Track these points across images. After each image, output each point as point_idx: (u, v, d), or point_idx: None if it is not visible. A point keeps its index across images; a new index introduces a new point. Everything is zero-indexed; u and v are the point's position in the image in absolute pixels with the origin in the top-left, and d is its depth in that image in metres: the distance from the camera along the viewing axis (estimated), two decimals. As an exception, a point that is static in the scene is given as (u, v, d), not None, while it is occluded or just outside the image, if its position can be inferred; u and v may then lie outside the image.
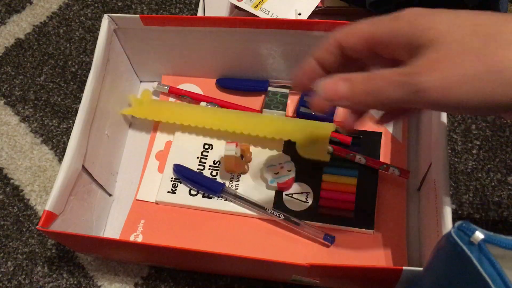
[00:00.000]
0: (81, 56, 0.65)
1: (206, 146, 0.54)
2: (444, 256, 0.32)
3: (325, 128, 0.51)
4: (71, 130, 0.47)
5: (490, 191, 0.51)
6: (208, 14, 0.61)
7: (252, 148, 0.54)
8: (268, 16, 0.55)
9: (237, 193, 0.50)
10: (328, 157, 0.50)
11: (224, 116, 0.54)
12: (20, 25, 0.68)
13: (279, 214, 0.48)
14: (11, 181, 0.57)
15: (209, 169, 0.53)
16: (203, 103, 0.56)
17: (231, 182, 0.52)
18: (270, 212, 0.49)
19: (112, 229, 0.52)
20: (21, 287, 0.51)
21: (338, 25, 0.49)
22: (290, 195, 0.50)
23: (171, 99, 0.58)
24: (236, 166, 0.51)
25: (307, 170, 0.51)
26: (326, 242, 0.47)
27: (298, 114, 0.54)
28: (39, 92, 0.62)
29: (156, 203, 0.52)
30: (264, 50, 0.53)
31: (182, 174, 0.52)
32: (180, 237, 0.50)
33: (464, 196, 0.51)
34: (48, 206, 0.43)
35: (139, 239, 0.50)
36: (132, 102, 0.57)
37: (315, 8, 0.56)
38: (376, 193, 0.49)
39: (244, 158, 0.51)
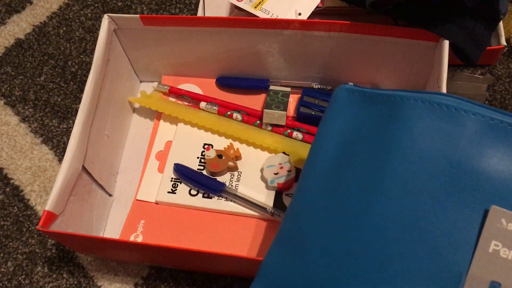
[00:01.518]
0: (81, 56, 0.65)
1: (206, 146, 0.54)
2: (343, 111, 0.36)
3: None
4: (71, 130, 0.47)
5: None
6: (208, 14, 0.61)
7: (252, 149, 0.54)
8: (268, 16, 0.55)
9: (237, 193, 0.50)
10: None
11: (225, 126, 0.54)
12: (20, 25, 0.68)
13: (279, 214, 0.48)
14: (11, 181, 0.57)
15: (209, 169, 0.53)
16: (203, 103, 0.56)
17: (231, 182, 0.52)
18: (270, 212, 0.49)
19: (112, 229, 0.52)
20: (21, 287, 0.51)
21: (338, 25, 0.49)
22: (290, 195, 0.50)
23: (171, 99, 0.58)
24: (218, 166, 0.52)
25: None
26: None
27: (298, 114, 0.54)
28: (39, 92, 0.62)
29: (156, 203, 0.52)
30: (264, 50, 0.53)
31: (183, 173, 0.52)
32: (180, 237, 0.50)
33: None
34: (48, 206, 0.43)
35: (139, 239, 0.50)
36: (140, 94, 0.58)
37: (315, 8, 0.56)
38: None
39: (224, 156, 0.52)
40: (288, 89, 0.56)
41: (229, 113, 0.55)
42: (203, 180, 0.51)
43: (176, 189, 0.52)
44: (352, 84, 0.38)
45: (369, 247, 0.31)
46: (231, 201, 0.51)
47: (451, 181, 0.30)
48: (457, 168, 0.30)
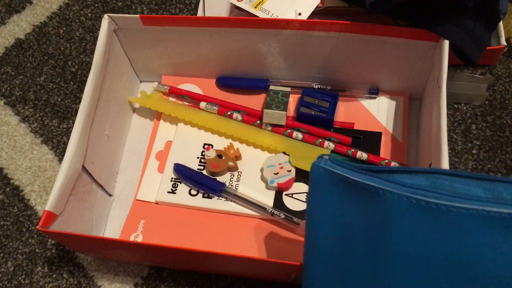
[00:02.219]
0: (81, 56, 0.65)
1: (206, 146, 0.54)
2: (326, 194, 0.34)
3: (320, 151, 0.52)
4: (71, 130, 0.47)
5: (490, 191, 0.51)
6: (208, 14, 0.61)
7: (252, 149, 0.54)
8: (268, 16, 0.55)
9: (237, 193, 0.50)
10: None
11: (225, 126, 0.54)
12: (20, 25, 0.68)
13: (279, 214, 0.48)
14: (11, 181, 0.57)
15: (209, 169, 0.53)
16: (203, 103, 0.56)
17: (231, 182, 0.52)
18: (270, 212, 0.49)
19: (112, 229, 0.52)
20: (21, 287, 0.51)
21: (338, 25, 0.49)
22: (290, 195, 0.50)
23: (171, 99, 0.58)
24: (218, 166, 0.51)
25: (307, 170, 0.51)
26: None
27: (298, 114, 0.54)
28: (39, 92, 0.62)
29: (156, 203, 0.52)
30: (264, 50, 0.53)
31: (183, 173, 0.52)
32: (180, 237, 0.50)
33: (464, 196, 0.51)
34: (48, 206, 0.43)
35: (139, 239, 0.50)
36: (140, 94, 0.58)
37: (315, 8, 0.56)
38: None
39: (224, 156, 0.52)
40: (288, 89, 0.56)
41: (229, 113, 0.55)
42: (203, 180, 0.51)
43: (176, 189, 0.52)
44: (326, 157, 0.35)
45: None
46: (231, 201, 0.51)
47: (451, 278, 0.29)
48: (455, 264, 0.29)
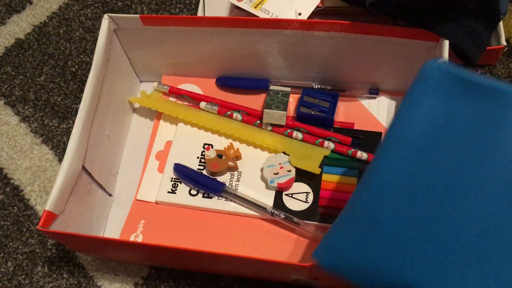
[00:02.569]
0: (81, 56, 0.65)
1: (206, 146, 0.54)
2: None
3: (320, 151, 0.51)
4: (71, 130, 0.47)
5: (490, 191, 0.51)
6: (208, 14, 0.61)
7: (252, 148, 0.54)
8: (268, 16, 0.55)
9: (237, 193, 0.50)
10: (319, 170, 0.50)
11: (225, 126, 0.55)
12: (20, 25, 0.68)
13: (279, 214, 0.48)
14: (11, 181, 0.57)
15: (209, 169, 0.53)
16: (203, 103, 0.56)
17: (231, 182, 0.52)
18: (270, 212, 0.49)
19: (112, 229, 0.52)
20: (21, 287, 0.51)
21: (338, 25, 0.49)
22: (290, 195, 0.50)
23: (171, 99, 0.58)
24: (218, 166, 0.52)
25: (307, 170, 0.51)
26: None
27: (298, 114, 0.54)
28: (39, 92, 0.62)
29: (156, 203, 0.52)
30: (264, 50, 0.53)
31: (183, 173, 0.52)
32: (180, 237, 0.50)
33: (464, 196, 0.51)
34: (48, 206, 0.43)
35: (139, 239, 0.50)
36: (140, 94, 0.58)
37: (315, 8, 0.56)
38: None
39: (224, 156, 0.52)
40: (288, 89, 0.56)
41: (229, 113, 0.55)
42: (203, 180, 0.51)
43: (176, 189, 0.52)
44: (444, 60, 0.35)
45: (448, 246, 0.31)
46: (231, 201, 0.51)
47: None
48: None
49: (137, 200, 0.53)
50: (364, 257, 0.34)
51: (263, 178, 0.52)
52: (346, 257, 0.35)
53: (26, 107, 0.62)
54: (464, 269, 0.31)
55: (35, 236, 0.54)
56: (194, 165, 0.53)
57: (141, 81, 0.61)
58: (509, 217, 0.30)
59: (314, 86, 0.56)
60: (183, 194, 0.52)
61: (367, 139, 0.52)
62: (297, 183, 0.51)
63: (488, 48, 0.54)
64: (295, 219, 0.48)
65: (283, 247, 0.49)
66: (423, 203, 0.32)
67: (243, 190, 0.51)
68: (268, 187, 0.51)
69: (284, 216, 0.48)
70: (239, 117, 0.55)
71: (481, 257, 0.30)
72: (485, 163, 0.31)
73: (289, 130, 0.53)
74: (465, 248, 0.31)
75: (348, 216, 0.36)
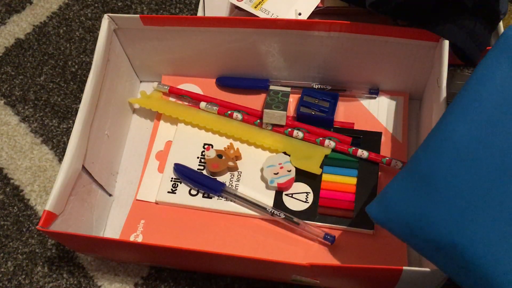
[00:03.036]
0: (81, 56, 0.65)
1: (206, 146, 0.54)
2: None
3: (321, 151, 0.51)
4: (71, 130, 0.47)
5: (490, 191, 0.51)
6: (208, 14, 0.61)
7: (252, 148, 0.54)
8: (268, 16, 0.55)
9: (237, 193, 0.50)
10: (320, 171, 0.50)
11: (225, 126, 0.55)
12: (20, 25, 0.68)
13: (279, 214, 0.48)
14: (11, 181, 0.57)
15: (209, 169, 0.53)
16: (203, 103, 0.56)
17: (231, 182, 0.52)
18: (270, 212, 0.49)
19: (112, 229, 0.52)
20: (21, 287, 0.51)
21: (338, 25, 0.49)
22: (290, 195, 0.50)
23: (171, 99, 0.58)
24: (218, 166, 0.52)
25: (307, 170, 0.51)
26: (327, 242, 0.47)
27: (298, 114, 0.54)
28: (39, 92, 0.62)
29: (156, 203, 0.52)
30: (264, 50, 0.53)
31: (183, 173, 0.52)
32: (180, 237, 0.50)
33: (464, 196, 0.51)
34: (48, 206, 0.43)
35: (139, 239, 0.50)
36: (140, 94, 0.58)
37: (315, 8, 0.56)
38: (376, 193, 0.49)
39: (224, 156, 0.52)
40: (288, 89, 0.56)
41: (229, 112, 0.55)
42: (203, 180, 0.51)
43: (176, 189, 0.52)
44: None
45: (504, 216, 0.31)
46: (231, 201, 0.51)
47: None
48: None
49: (137, 200, 0.53)
50: (416, 215, 0.35)
51: (263, 178, 0.52)
52: (398, 213, 0.36)
53: (26, 107, 0.62)
54: None
55: (35, 236, 0.54)
56: (194, 165, 0.53)
57: (141, 81, 0.61)
58: None
59: (314, 86, 0.56)
60: (183, 194, 0.52)
61: (367, 139, 0.52)
62: (297, 183, 0.51)
63: (488, 48, 0.54)
64: (295, 219, 0.48)
65: (283, 247, 0.49)
66: (486, 170, 0.33)
67: (243, 190, 0.51)
68: (268, 187, 0.51)
69: (284, 216, 0.48)
70: (239, 116, 0.55)
71: None
72: None
73: (289, 129, 0.53)
74: None
75: (406, 173, 0.37)
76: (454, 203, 0.33)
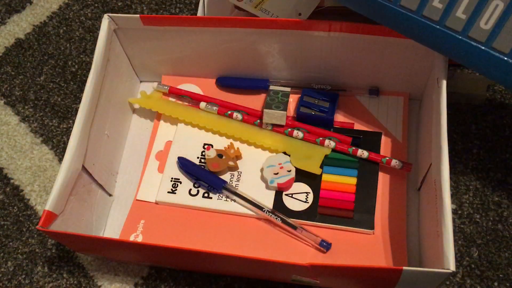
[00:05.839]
0: (81, 56, 0.65)
1: (206, 146, 0.54)
2: None
3: (320, 151, 0.51)
4: (71, 130, 0.47)
5: (490, 191, 0.51)
6: (208, 14, 0.61)
7: (252, 148, 0.54)
8: (268, 16, 0.55)
9: (238, 191, 0.50)
10: (320, 171, 0.50)
11: (225, 126, 0.55)
12: (20, 25, 0.68)
13: (276, 217, 0.48)
14: (11, 181, 0.57)
15: (209, 169, 0.53)
16: (203, 103, 0.56)
17: (231, 182, 0.52)
18: (267, 213, 0.49)
19: (112, 229, 0.52)
20: (21, 287, 0.51)
21: (338, 25, 0.49)
22: (290, 195, 0.50)
23: (171, 99, 0.58)
24: (218, 165, 0.52)
25: (307, 170, 0.51)
26: (322, 249, 0.47)
27: (298, 114, 0.54)
28: (39, 92, 0.62)
29: (156, 203, 0.52)
30: (264, 50, 0.53)
31: (186, 167, 0.52)
32: (180, 237, 0.50)
33: (464, 196, 0.51)
34: (48, 206, 0.43)
35: (139, 239, 0.50)
36: (140, 94, 0.58)
37: (315, 8, 0.56)
38: (376, 193, 0.49)
39: (224, 156, 0.52)
40: (288, 89, 0.56)
41: (229, 112, 0.55)
42: (205, 175, 0.51)
43: (176, 189, 0.52)
44: None
45: None
46: (231, 201, 0.51)
47: None
48: None
49: (137, 200, 0.53)
50: None
51: (263, 178, 0.52)
52: None
53: (26, 107, 0.62)
54: None
55: (35, 236, 0.54)
56: (194, 165, 0.53)
57: (141, 81, 0.61)
58: None
59: (314, 86, 0.56)
60: (183, 194, 0.52)
61: (367, 139, 0.52)
62: (297, 183, 0.51)
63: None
64: (292, 223, 0.48)
65: (283, 247, 0.49)
66: None
67: (243, 190, 0.51)
68: (268, 187, 0.51)
69: (281, 220, 0.48)
70: (239, 116, 0.55)
71: None
72: None
73: (289, 129, 0.53)
74: None
75: None
76: None
